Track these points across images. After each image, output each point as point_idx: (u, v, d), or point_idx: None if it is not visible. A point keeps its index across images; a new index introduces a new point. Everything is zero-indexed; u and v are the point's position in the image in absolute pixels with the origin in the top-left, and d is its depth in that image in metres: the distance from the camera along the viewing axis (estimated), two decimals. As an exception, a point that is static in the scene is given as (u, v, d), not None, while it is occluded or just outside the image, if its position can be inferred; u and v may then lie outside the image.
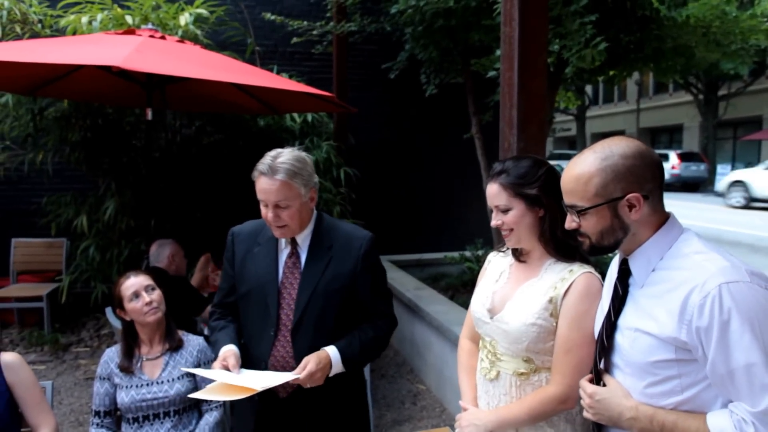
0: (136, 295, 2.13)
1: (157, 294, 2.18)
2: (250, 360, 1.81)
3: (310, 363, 1.67)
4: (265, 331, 1.81)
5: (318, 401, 1.79)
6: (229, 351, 1.75)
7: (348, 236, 1.85)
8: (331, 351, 1.74)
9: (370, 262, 1.83)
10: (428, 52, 5.04)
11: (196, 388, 2.17)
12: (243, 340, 1.88)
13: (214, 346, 1.86)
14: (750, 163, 23.28)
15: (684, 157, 20.03)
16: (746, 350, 1.08)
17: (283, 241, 1.85)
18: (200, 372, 1.76)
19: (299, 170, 1.72)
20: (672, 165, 19.57)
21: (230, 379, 1.64)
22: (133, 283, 2.15)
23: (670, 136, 27.80)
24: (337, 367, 1.74)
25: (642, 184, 1.22)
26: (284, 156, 1.72)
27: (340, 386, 1.80)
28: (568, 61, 3.98)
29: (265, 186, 1.70)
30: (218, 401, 2.21)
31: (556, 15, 3.71)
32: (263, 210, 1.75)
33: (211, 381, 1.72)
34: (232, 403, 2.68)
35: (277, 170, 1.69)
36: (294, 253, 1.84)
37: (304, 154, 1.79)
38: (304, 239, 1.84)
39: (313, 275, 1.79)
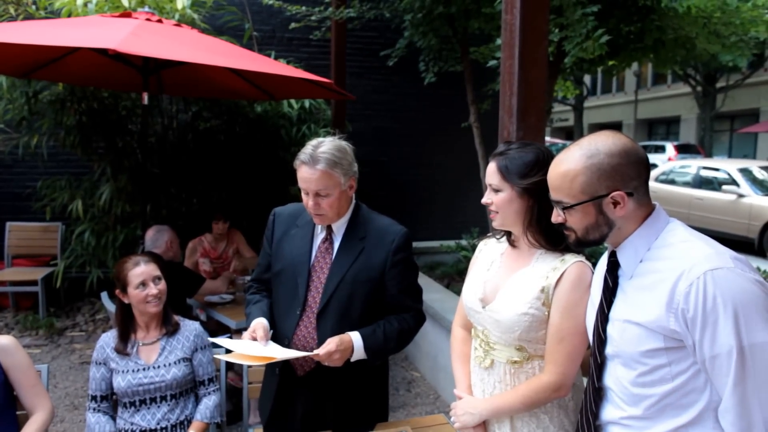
0: (143, 284, 2.14)
1: (162, 285, 2.20)
2: (274, 335, 1.88)
3: (331, 342, 1.71)
4: (292, 310, 1.86)
5: (335, 382, 1.83)
6: (259, 324, 1.80)
7: (382, 229, 1.87)
8: (355, 336, 1.77)
9: (400, 257, 1.84)
10: (427, 39, 5.01)
11: (192, 373, 2.20)
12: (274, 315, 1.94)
13: (247, 317, 1.93)
14: (746, 156, 23.33)
15: (681, 149, 20.05)
16: (730, 336, 1.10)
17: (319, 226, 1.90)
18: (228, 341, 1.81)
19: (339, 160, 1.75)
20: (669, 157, 19.58)
21: (254, 350, 1.70)
22: (143, 271, 2.15)
23: (667, 127, 27.77)
24: (359, 353, 1.76)
25: (627, 182, 1.23)
26: (325, 145, 1.75)
27: (359, 370, 1.82)
28: (568, 51, 3.97)
29: (305, 175, 1.74)
30: (216, 385, 2.26)
31: (558, 5, 3.69)
32: (304, 197, 1.79)
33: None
34: (235, 388, 2.71)
35: (317, 160, 1.72)
36: (328, 239, 1.88)
37: (344, 143, 1.81)
38: (339, 227, 1.87)
39: (343, 264, 1.83)
